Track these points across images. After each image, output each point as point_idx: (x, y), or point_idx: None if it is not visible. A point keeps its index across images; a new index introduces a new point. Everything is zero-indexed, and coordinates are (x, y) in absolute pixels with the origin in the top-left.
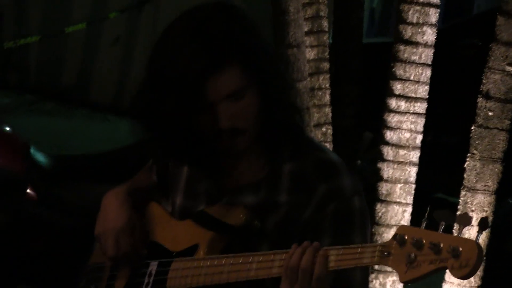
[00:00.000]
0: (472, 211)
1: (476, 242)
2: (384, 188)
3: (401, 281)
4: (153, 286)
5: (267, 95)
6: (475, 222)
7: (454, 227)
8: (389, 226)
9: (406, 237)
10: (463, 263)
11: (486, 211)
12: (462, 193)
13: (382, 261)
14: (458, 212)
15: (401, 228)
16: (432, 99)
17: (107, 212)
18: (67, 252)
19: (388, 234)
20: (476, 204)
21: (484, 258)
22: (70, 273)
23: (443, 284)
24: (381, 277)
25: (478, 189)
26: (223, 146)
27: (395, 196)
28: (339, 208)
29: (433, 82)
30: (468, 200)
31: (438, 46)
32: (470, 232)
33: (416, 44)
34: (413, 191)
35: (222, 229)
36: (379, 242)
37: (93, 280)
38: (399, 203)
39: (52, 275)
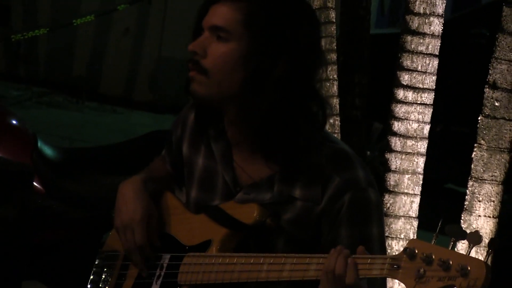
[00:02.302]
0: (479, 201)
1: (485, 262)
2: (392, 178)
3: None
4: (165, 279)
5: (256, 65)
6: (482, 212)
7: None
8: (397, 217)
9: (416, 251)
10: (471, 282)
11: (493, 201)
12: (470, 183)
13: (391, 273)
14: (466, 202)
15: (412, 241)
16: (441, 90)
17: (124, 203)
18: (75, 245)
19: (396, 225)
20: (484, 194)
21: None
22: (79, 266)
23: None
24: None
25: (485, 179)
26: (190, 79)
27: (403, 186)
28: (354, 198)
29: (442, 72)
30: (476, 190)
31: (447, 36)
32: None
33: (423, 34)
34: (421, 182)
35: (236, 227)
36: (387, 233)
37: (106, 267)
38: (407, 193)
39: (61, 268)
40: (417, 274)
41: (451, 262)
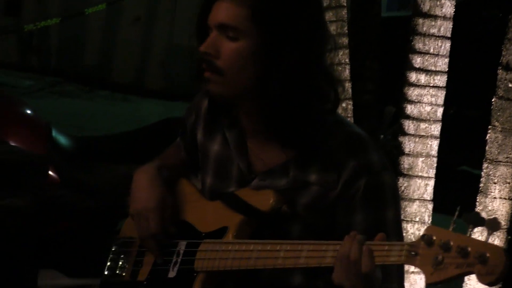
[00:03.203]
0: (495, 183)
1: (504, 249)
2: (406, 162)
3: (427, 282)
4: (181, 266)
5: (270, 57)
6: (498, 194)
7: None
8: (412, 200)
9: (434, 238)
10: (489, 269)
11: (509, 183)
12: (485, 165)
13: (409, 260)
14: (481, 184)
15: (430, 228)
16: (454, 72)
17: (138, 191)
18: (90, 234)
19: (411, 208)
20: (499, 176)
21: None
22: (93, 255)
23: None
24: None
25: (500, 161)
26: (205, 79)
27: (417, 170)
28: (369, 182)
29: (455, 55)
30: (491, 172)
31: (459, 18)
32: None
33: (435, 17)
34: (435, 165)
35: (252, 213)
36: (402, 216)
37: (122, 254)
38: (421, 176)
39: (76, 257)
40: (435, 261)
41: (469, 249)
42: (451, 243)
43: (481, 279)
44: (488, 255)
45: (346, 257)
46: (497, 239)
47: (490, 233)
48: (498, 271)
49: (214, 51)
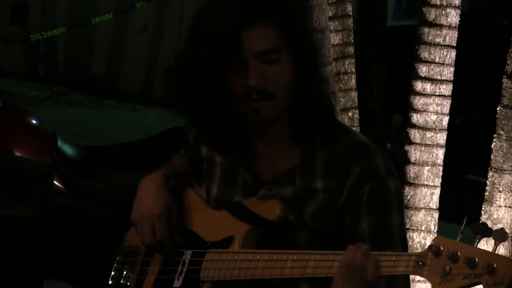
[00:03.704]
0: (500, 191)
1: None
2: (411, 170)
3: None
4: (187, 275)
5: (302, 67)
6: (503, 202)
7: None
8: (418, 209)
9: (442, 249)
10: (497, 280)
11: None
12: (490, 173)
13: (416, 271)
14: (487, 193)
15: (437, 239)
16: (460, 80)
17: (144, 197)
18: (97, 243)
19: (417, 217)
20: (504, 184)
21: None
22: (100, 264)
23: None
24: None
25: (505, 170)
26: (252, 110)
27: (423, 178)
28: (374, 188)
29: (462, 63)
30: (496, 181)
31: (465, 27)
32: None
33: (440, 26)
34: (440, 173)
35: (258, 223)
36: (408, 225)
37: (127, 264)
38: (427, 185)
39: (83, 266)
40: (442, 271)
41: (477, 260)
42: (459, 254)
43: None
44: (495, 265)
45: (351, 264)
46: (502, 248)
47: (497, 244)
48: (506, 281)
49: (262, 79)
